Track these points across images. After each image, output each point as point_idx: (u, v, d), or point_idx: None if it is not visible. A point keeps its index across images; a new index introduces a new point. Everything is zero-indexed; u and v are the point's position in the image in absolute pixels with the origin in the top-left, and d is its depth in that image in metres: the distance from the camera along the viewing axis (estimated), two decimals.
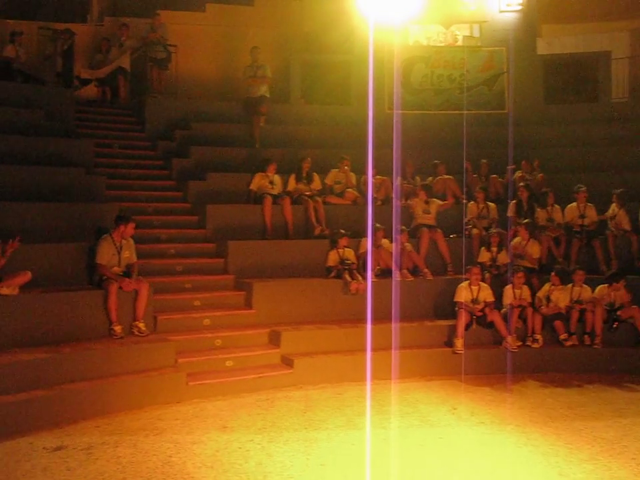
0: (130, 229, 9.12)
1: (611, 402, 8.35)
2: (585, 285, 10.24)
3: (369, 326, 9.80)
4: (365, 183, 12.27)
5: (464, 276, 10.29)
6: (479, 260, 10.95)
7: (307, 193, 11.73)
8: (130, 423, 7.32)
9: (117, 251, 9.02)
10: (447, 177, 12.62)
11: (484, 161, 12.90)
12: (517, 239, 11.09)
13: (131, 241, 9.23)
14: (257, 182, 11.62)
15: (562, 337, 9.89)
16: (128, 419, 7.44)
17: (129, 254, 9.14)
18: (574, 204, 11.69)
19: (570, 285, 10.25)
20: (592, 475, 6.03)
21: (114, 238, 9.05)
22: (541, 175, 12.73)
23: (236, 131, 13.45)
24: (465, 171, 12.74)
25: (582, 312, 10.00)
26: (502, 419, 7.64)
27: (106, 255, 8.93)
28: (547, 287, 10.23)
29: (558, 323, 9.94)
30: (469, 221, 11.85)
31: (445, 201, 12.12)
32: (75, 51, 13.73)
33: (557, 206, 11.73)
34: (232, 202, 11.67)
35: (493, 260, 10.91)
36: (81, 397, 7.54)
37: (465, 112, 15.06)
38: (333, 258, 10.73)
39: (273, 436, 6.98)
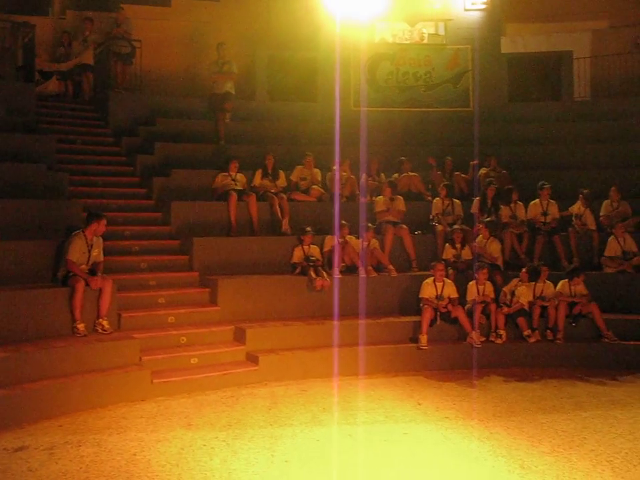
0: (102, 226, 9.02)
1: (572, 396, 8.47)
2: (547, 281, 10.39)
3: (335, 322, 9.88)
4: (331, 180, 12.31)
5: (429, 272, 10.37)
6: (443, 256, 11.05)
7: (272, 190, 11.71)
8: (93, 422, 7.24)
9: (88, 249, 8.92)
10: (412, 174, 12.69)
11: (448, 158, 13.00)
12: (479, 237, 11.20)
13: (100, 239, 9.13)
14: (219, 181, 11.58)
15: (525, 333, 10.01)
16: (91, 418, 7.36)
17: (98, 252, 9.04)
18: (537, 201, 11.85)
19: (531, 282, 10.38)
20: (553, 466, 6.12)
21: (86, 236, 8.94)
22: (504, 171, 12.85)
23: (201, 127, 13.38)
24: (430, 167, 12.82)
25: (544, 307, 10.14)
26: (466, 413, 7.72)
27: (77, 252, 8.82)
28: (514, 282, 10.34)
29: (521, 320, 10.06)
30: (433, 217, 11.93)
31: (410, 197, 12.21)
32: (36, 44, 13.48)
33: (520, 203, 11.88)
34: (197, 199, 11.60)
35: (457, 256, 11.01)
36: (44, 396, 7.42)
37: (430, 109, 15.20)
38: (297, 254, 10.74)
39: (237, 433, 6.96)
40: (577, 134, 14.40)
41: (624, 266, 10.95)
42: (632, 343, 9.91)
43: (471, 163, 13.02)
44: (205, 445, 6.59)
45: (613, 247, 11.12)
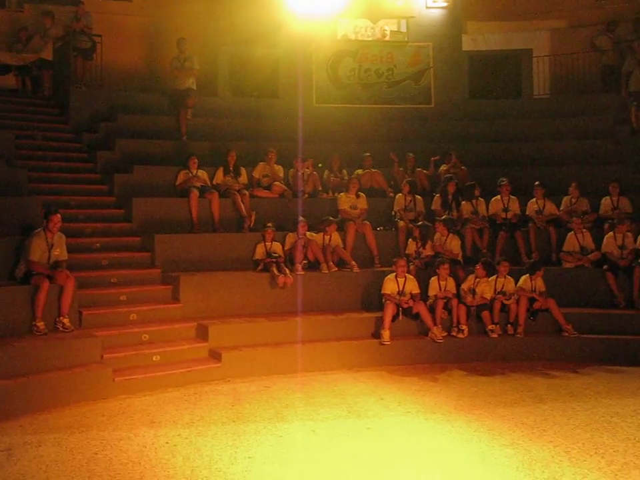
0: (57, 221, 8.83)
1: (532, 389, 8.61)
2: (508, 276, 10.53)
3: (298, 319, 9.91)
4: (293, 177, 12.31)
5: (391, 268, 10.43)
6: (406, 251, 11.13)
7: (235, 187, 11.68)
8: (54, 421, 7.16)
9: (48, 247, 8.79)
10: (374, 170, 12.75)
11: (410, 154, 13.05)
12: (436, 235, 11.31)
13: (63, 237, 9.00)
14: (181, 178, 11.53)
15: (489, 327, 10.12)
16: (52, 417, 7.27)
17: (60, 251, 8.89)
18: (498, 197, 12.00)
19: (494, 277, 10.52)
20: (513, 458, 6.22)
21: (46, 234, 8.81)
22: (464, 168, 12.96)
23: (162, 124, 13.26)
24: (392, 163, 12.88)
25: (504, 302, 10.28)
26: (428, 407, 7.79)
27: (38, 251, 8.69)
28: (471, 278, 10.45)
29: (486, 314, 10.16)
30: (395, 213, 12.00)
31: (372, 194, 12.27)
32: None
33: (481, 199, 12.02)
34: (158, 195, 11.52)
35: (418, 252, 11.10)
36: (2, 395, 7.29)
37: (392, 106, 15.28)
38: (260, 251, 10.73)
39: (200, 430, 6.94)
40: (537, 131, 14.60)
41: (582, 261, 11.15)
42: (591, 336, 10.09)
43: (432, 159, 13.13)
44: (167, 443, 6.56)
45: (571, 242, 11.32)
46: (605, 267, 10.91)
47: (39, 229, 8.84)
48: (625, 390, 8.57)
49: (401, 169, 12.89)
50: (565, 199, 12.10)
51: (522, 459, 6.22)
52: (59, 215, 8.91)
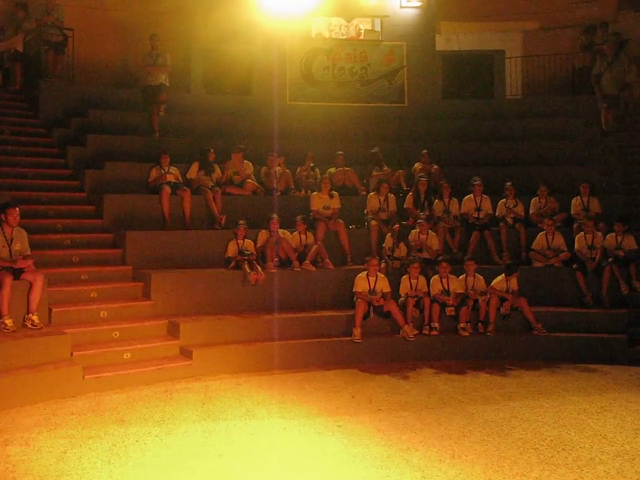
0: (14, 215, 8.62)
1: (502, 386, 8.69)
2: (477, 275, 10.62)
3: (270, 316, 9.90)
4: (265, 174, 12.29)
5: (363, 266, 10.46)
6: (384, 245, 11.16)
7: (209, 184, 11.63)
8: (22, 420, 7.05)
9: (7, 242, 8.63)
10: (347, 168, 12.76)
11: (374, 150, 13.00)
12: (414, 231, 11.37)
13: (23, 232, 8.82)
14: (153, 176, 11.45)
15: (461, 325, 10.20)
16: (20, 416, 7.16)
17: (20, 246, 8.74)
18: (470, 196, 12.10)
19: (463, 275, 10.61)
20: (482, 455, 6.27)
21: (3, 229, 8.67)
22: (435, 166, 13.00)
23: (135, 120, 13.17)
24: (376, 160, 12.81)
25: (475, 300, 10.36)
26: (399, 405, 7.84)
27: None
28: (436, 278, 10.50)
29: (463, 310, 10.24)
30: (368, 212, 12.02)
31: (345, 192, 12.28)
32: None
33: (454, 198, 12.10)
34: (130, 192, 11.43)
35: (392, 250, 11.15)
36: None
37: (366, 105, 15.32)
38: (232, 249, 10.70)
39: (171, 428, 6.90)
40: (509, 131, 14.74)
41: (552, 260, 11.27)
42: (560, 334, 10.23)
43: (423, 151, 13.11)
44: (137, 441, 6.51)
45: (540, 242, 11.44)
46: (574, 266, 11.04)
47: None
48: (592, 387, 8.70)
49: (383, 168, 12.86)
50: (534, 200, 12.22)
51: (491, 456, 6.27)
52: (17, 209, 8.67)
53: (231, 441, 6.60)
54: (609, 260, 10.89)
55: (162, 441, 6.55)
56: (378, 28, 15.41)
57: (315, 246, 11.02)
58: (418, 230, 11.34)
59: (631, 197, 12.69)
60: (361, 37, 15.53)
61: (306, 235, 11.14)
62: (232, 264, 10.54)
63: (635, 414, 7.60)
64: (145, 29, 13.78)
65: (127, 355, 8.69)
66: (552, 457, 6.27)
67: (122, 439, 6.55)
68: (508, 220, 11.93)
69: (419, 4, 15.37)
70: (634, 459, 6.24)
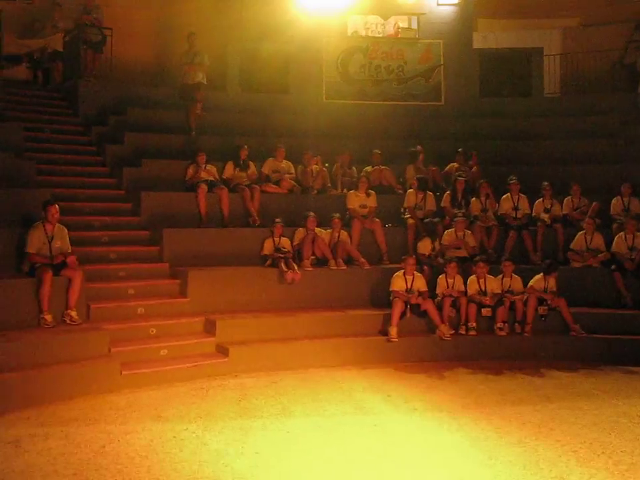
0: (54, 212, 8.79)
1: (539, 388, 8.59)
2: (515, 275, 10.50)
3: (306, 314, 9.91)
4: (303, 173, 12.29)
5: (399, 265, 10.41)
6: (419, 251, 11.07)
7: (244, 181, 11.68)
8: (61, 414, 7.16)
9: (48, 240, 8.77)
10: (383, 167, 12.72)
11: (418, 147, 12.93)
12: (449, 231, 11.29)
13: (64, 230, 8.98)
14: (190, 174, 11.53)
15: (498, 325, 10.09)
16: (59, 410, 7.27)
17: (61, 243, 8.87)
18: (508, 195, 11.97)
19: (500, 276, 10.50)
20: (520, 457, 6.20)
21: (45, 226, 8.81)
22: (475, 167, 12.88)
23: (172, 118, 13.25)
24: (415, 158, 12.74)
25: (512, 301, 10.24)
26: (435, 405, 7.78)
27: (36, 243, 8.70)
28: (473, 278, 10.41)
29: (500, 310, 10.13)
30: (404, 210, 11.96)
31: (381, 191, 12.24)
32: (3, 29, 13.23)
33: (491, 197, 11.98)
34: (167, 189, 11.50)
35: (434, 253, 11.08)
36: (10, 387, 7.32)
37: (402, 103, 15.23)
38: (268, 246, 10.73)
39: (207, 425, 6.94)
40: (548, 129, 14.54)
41: (590, 261, 11.10)
42: (598, 336, 10.06)
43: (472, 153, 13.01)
44: (174, 437, 6.56)
45: (579, 242, 11.27)
46: (613, 267, 10.86)
47: (38, 222, 8.83)
48: (631, 390, 8.54)
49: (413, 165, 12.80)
50: (567, 199, 12.04)
51: (529, 457, 6.20)
52: (56, 206, 8.87)
53: (267, 439, 6.61)
54: None
55: (199, 437, 6.59)
56: (415, 26, 15.33)
57: (344, 245, 10.96)
58: (454, 229, 11.25)
59: None
60: (398, 35, 15.44)
61: (339, 233, 11.09)
62: (268, 262, 10.57)
63: None
64: (182, 28, 13.85)
65: (163, 352, 8.75)
66: (591, 460, 6.16)
67: (159, 435, 6.61)
68: (545, 220, 11.75)
69: (456, 1, 15.25)
70: None
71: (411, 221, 11.65)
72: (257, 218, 11.31)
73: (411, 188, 12.10)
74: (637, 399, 8.13)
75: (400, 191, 12.39)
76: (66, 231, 9.01)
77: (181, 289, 9.95)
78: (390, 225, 11.84)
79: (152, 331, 9.03)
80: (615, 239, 11.10)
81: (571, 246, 11.31)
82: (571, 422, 7.22)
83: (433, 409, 7.63)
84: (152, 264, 10.33)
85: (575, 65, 15.69)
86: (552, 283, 10.41)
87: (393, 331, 9.76)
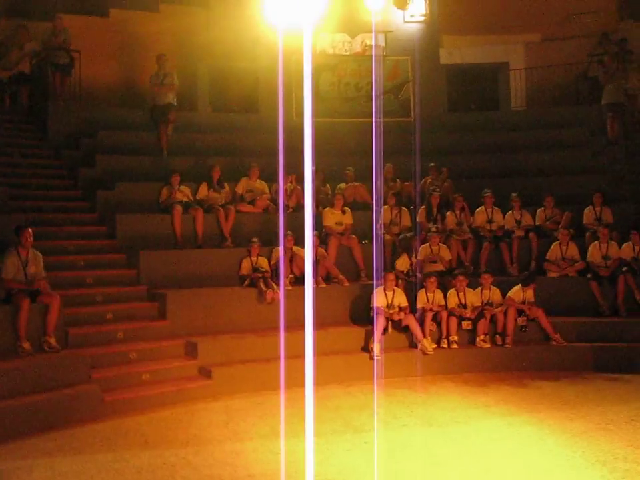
0: (26, 236, 8.61)
1: (524, 398, 8.64)
2: (493, 287, 10.58)
3: (287, 334, 9.80)
4: (277, 191, 12.26)
5: (378, 281, 10.41)
6: (396, 266, 11.09)
7: (219, 202, 11.61)
8: (44, 445, 6.97)
9: (23, 265, 8.58)
10: (357, 183, 12.74)
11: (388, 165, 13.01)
12: (425, 245, 11.33)
13: (39, 255, 8.77)
14: (165, 195, 11.45)
15: (481, 337, 10.15)
16: (42, 441, 7.07)
17: (36, 268, 8.68)
18: (482, 208, 12.08)
19: (479, 288, 10.56)
20: (514, 468, 6.20)
21: (19, 252, 8.63)
22: (448, 181, 13.00)
23: (143, 139, 13.11)
24: (381, 177, 12.79)
25: (492, 313, 10.30)
26: (424, 420, 7.77)
27: (11, 269, 8.49)
28: (453, 291, 10.46)
29: (481, 322, 10.20)
30: (380, 226, 11.98)
31: (356, 207, 12.25)
32: None
33: (466, 210, 12.08)
34: (141, 211, 11.38)
35: (413, 268, 11.11)
36: None
37: (372, 120, 15.29)
38: (246, 266, 10.66)
39: (197, 449, 6.82)
40: (516, 142, 14.71)
41: (566, 270, 11.23)
42: (578, 344, 10.19)
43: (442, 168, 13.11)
44: (164, 464, 6.43)
45: (554, 252, 11.40)
46: (588, 275, 11.01)
47: (12, 248, 8.62)
48: (615, 397, 8.66)
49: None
50: (539, 211, 12.19)
51: (522, 468, 6.21)
52: (29, 230, 8.67)
53: (259, 461, 6.53)
54: (623, 269, 10.85)
55: (189, 462, 6.47)
56: (382, 43, 15.44)
57: (323, 262, 10.94)
58: (429, 244, 11.30)
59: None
60: (366, 53, 15.55)
61: (317, 251, 11.06)
62: (246, 282, 10.50)
63: None
64: (151, 49, 13.77)
65: (145, 376, 8.62)
66: (586, 468, 6.20)
67: (148, 462, 6.47)
68: (517, 232, 11.87)
69: (422, 18, 15.41)
70: None
71: (387, 237, 11.68)
72: (229, 239, 11.25)
73: (385, 204, 12.14)
74: (621, 405, 8.21)
75: (376, 207, 12.36)
76: (40, 256, 8.81)
77: (159, 311, 9.82)
78: (366, 241, 11.85)
79: (132, 355, 8.89)
80: (589, 248, 11.26)
81: (547, 256, 11.43)
82: (561, 431, 7.27)
83: (423, 424, 7.62)
84: (129, 287, 10.18)
85: (540, 78, 15.96)
86: (530, 293, 10.51)
87: (377, 347, 9.73)
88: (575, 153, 14.11)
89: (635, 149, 13.99)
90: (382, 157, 13.45)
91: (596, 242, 11.24)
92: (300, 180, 12.41)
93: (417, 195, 12.69)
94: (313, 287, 10.42)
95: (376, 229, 11.77)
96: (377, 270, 10.88)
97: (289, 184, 12.29)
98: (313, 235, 10.97)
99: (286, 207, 12.00)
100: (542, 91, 15.98)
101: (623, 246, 11.16)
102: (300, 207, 12.19)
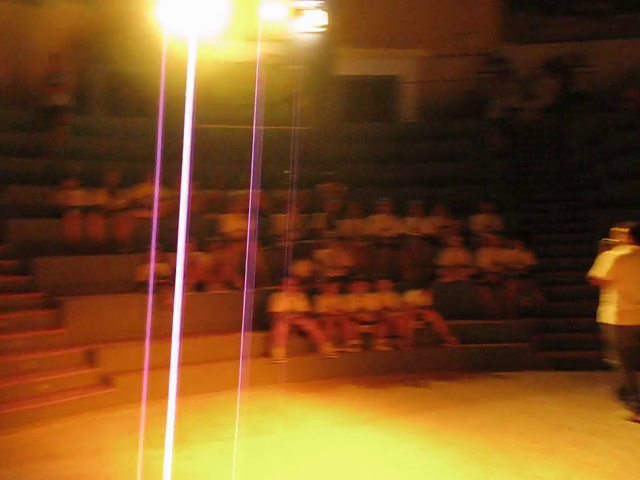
0: None
1: (426, 397, 9.03)
2: (391, 292, 10.93)
3: (189, 340, 9.73)
4: (175, 197, 12.10)
5: (278, 287, 10.52)
6: (296, 272, 11.23)
7: (116, 207, 11.37)
8: None
9: None
10: (255, 190, 12.77)
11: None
12: (325, 251, 11.56)
13: None
14: (59, 199, 11.10)
15: (378, 341, 10.45)
16: None
17: None
18: (378, 215, 12.44)
19: (376, 293, 10.88)
20: (420, 461, 6.47)
21: None
22: (343, 188, 13.31)
23: (34, 141, 12.60)
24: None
25: (390, 317, 10.65)
26: (331, 421, 7.93)
27: None
28: (352, 296, 10.74)
29: (376, 327, 10.49)
30: (279, 233, 12.10)
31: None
32: None
33: (361, 218, 12.41)
34: (33, 216, 10.97)
35: (313, 272, 11.28)
36: None
37: (268, 127, 15.38)
38: (144, 272, 10.49)
39: (105, 459, 6.67)
40: (408, 153, 15.22)
41: (458, 276, 11.75)
42: (471, 345, 10.69)
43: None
44: (77, 474, 6.24)
45: (446, 258, 11.89)
46: (479, 280, 11.57)
47: None
48: (507, 392, 9.20)
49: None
50: (432, 219, 12.63)
51: (430, 461, 6.47)
52: None
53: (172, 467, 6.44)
54: (511, 274, 11.49)
55: (100, 473, 6.33)
56: (279, 52, 15.59)
57: (223, 268, 10.96)
58: (327, 250, 11.52)
59: (525, 215, 13.41)
60: (263, 61, 15.63)
61: (217, 256, 11.06)
62: (145, 288, 10.32)
63: (551, 414, 8.10)
64: (43, 49, 13.28)
65: (44, 386, 8.30)
66: (486, 457, 6.56)
67: (57, 474, 6.26)
68: (413, 239, 12.31)
69: (319, 29, 15.67)
70: (556, 453, 6.67)
71: (284, 244, 11.79)
72: (125, 245, 11.06)
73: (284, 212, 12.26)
74: (512, 400, 8.76)
75: (273, 215, 12.50)
76: None
77: (57, 319, 9.49)
78: (267, 247, 11.93)
79: (30, 365, 8.54)
80: (479, 254, 11.84)
81: (440, 262, 11.91)
82: (460, 426, 7.64)
83: (331, 424, 7.77)
84: (23, 294, 9.76)
85: (430, 92, 16.60)
86: (425, 298, 10.92)
87: (280, 351, 9.84)
88: (464, 164, 14.75)
89: (518, 161, 14.86)
90: (278, 165, 13.69)
91: (485, 248, 11.84)
92: (198, 186, 12.37)
93: (316, 202, 12.96)
94: (213, 293, 10.49)
95: (274, 235, 11.93)
96: (277, 276, 11.04)
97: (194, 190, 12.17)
98: (212, 241, 11.02)
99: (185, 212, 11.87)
100: (433, 104, 16.60)
101: (510, 252, 11.80)
102: (200, 213, 12.14)
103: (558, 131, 15.43)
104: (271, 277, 11.34)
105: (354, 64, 16.47)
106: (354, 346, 10.37)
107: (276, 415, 8.21)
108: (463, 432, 7.40)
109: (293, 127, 15.54)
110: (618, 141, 14.58)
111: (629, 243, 7.81)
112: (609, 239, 8.05)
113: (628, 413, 7.67)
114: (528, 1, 17.49)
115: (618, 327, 7.64)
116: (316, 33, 15.81)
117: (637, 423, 7.54)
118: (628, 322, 7.61)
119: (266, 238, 12.09)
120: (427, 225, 12.54)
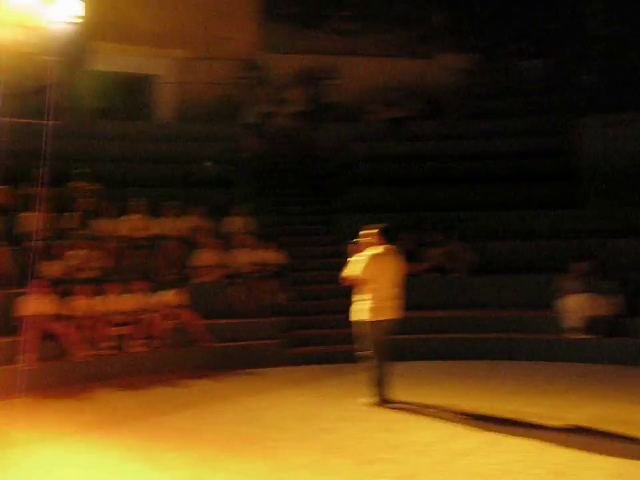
0: None
1: (181, 396, 9.10)
2: (147, 293, 10.85)
3: None
4: None
5: (24, 289, 9.97)
6: (46, 273, 10.71)
7: None
8: None
9: None
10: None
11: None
12: (77, 251, 11.19)
13: None
14: None
15: (130, 342, 10.32)
16: None
17: None
18: (134, 215, 12.29)
19: (133, 294, 10.75)
20: (181, 457, 6.55)
21: None
22: (96, 186, 12.95)
23: None
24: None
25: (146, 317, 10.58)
26: (83, 426, 7.64)
27: None
28: (106, 297, 10.53)
29: (128, 329, 10.36)
30: (27, 232, 11.45)
31: None
32: None
33: (116, 218, 12.17)
34: None
35: (65, 273, 10.84)
36: None
37: (18, 120, 14.45)
38: None
39: None
40: (164, 153, 15.16)
41: (213, 275, 11.94)
42: (227, 344, 10.91)
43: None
44: None
45: (201, 258, 12.05)
46: (234, 280, 11.91)
47: None
48: (259, 388, 9.55)
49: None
50: (187, 219, 12.81)
51: (195, 458, 6.54)
52: None
53: None
54: (265, 274, 11.96)
55: None
56: (30, 40, 14.66)
57: None
58: (80, 250, 11.16)
59: (279, 218, 14.00)
60: (13, 48, 14.62)
61: None
62: None
63: (302, 405, 8.56)
64: None
65: None
66: (244, 450, 6.75)
67: None
68: (170, 239, 12.34)
69: (75, 20, 14.98)
70: (308, 440, 7.09)
71: (30, 243, 11.18)
72: None
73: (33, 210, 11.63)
74: (262, 394, 9.13)
75: (20, 213, 11.79)
76: None
77: None
78: (13, 247, 11.23)
79: None
80: (234, 254, 12.17)
81: (194, 263, 12.05)
82: (218, 422, 7.76)
83: (70, 434, 7.41)
84: None
85: (188, 94, 16.67)
86: (181, 298, 11.00)
87: (25, 357, 9.30)
88: (220, 166, 15.03)
89: (272, 166, 15.50)
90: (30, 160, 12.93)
91: (240, 249, 12.21)
92: None
93: (68, 201, 12.46)
94: None
95: (21, 234, 11.30)
96: (24, 277, 10.43)
97: None
98: None
99: None
100: (189, 106, 16.68)
101: (264, 253, 12.29)
102: None
103: (309, 138, 16.38)
104: (18, 279, 10.70)
105: (111, 60, 16.08)
106: (109, 348, 10.14)
107: (12, 427, 7.59)
108: (219, 428, 7.55)
109: (45, 121, 14.76)
110: (362, 149, 15.86)
111: (380, 243, 8.36)
112: (358, 240, 8.57)
113: (374, 399, 8.26)
114: (285, 13, 18.34)
115: (373, 323, 8.15)
116: (71, 23, 15.12)
117: (381, 408, 8.15)
118: (381, 317, 8.15)
119: (12, 237, 11.42)
120: (182, 226, 12.64)
